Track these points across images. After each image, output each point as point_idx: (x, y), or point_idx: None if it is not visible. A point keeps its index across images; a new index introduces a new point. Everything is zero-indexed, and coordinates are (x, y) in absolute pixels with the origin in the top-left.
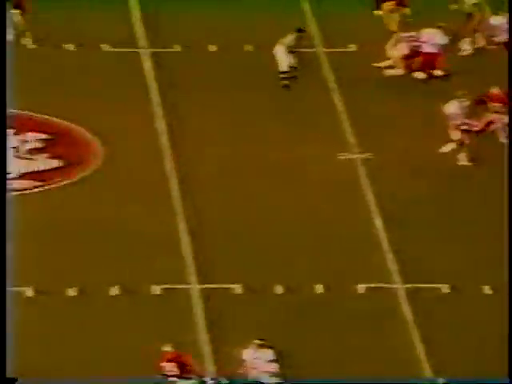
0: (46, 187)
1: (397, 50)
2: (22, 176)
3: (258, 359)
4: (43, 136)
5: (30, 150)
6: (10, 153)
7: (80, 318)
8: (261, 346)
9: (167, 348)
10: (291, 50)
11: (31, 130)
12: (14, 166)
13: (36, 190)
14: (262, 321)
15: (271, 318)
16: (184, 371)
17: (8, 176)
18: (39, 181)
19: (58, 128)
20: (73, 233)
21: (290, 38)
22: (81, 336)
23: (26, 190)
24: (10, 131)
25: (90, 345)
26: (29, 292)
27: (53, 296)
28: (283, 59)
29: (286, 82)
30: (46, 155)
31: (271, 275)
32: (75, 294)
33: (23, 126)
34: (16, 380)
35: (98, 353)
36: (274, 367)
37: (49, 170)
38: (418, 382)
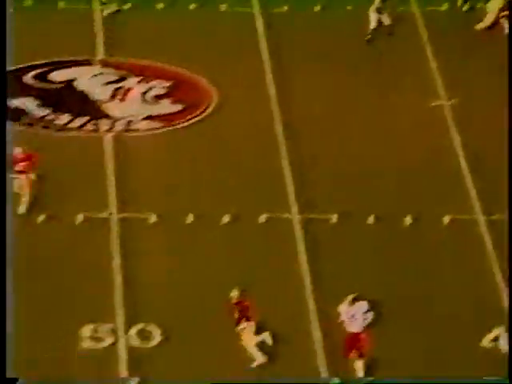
0: (170, 128)
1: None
2: (149, 118)
3: (354, 313)
4: (167, 83)
5: (155, 95)
6: (138, 97)
7: (232, 243)
8: (355, 300)
9: (234, 293)
10: (379, 10)
11: (157, 78)
12: (142, 110)
13: (160, 130)
14: (356, 247)
15: (364, 245)
16: (243, 317)
17: (135, 119)
18: (163, 122)
19: (180, 76)
20: (193, 167)
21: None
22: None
23: (152, 130)
24: (136, 79)
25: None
26: (152, 218)
27: (208, 221)
28: (372, 18)
29: (369, 36)
30: (169, 100)
31: (364, 206)
32: (228, 220)
33: (150, 75)
34: (17, 380)
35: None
36: (370, 317)
37: (172, 113)
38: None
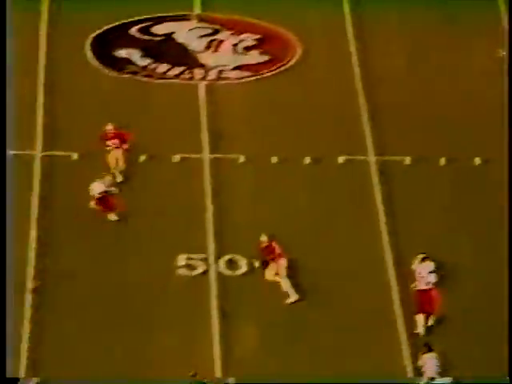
0: (257, 77)
1: None
2: (239, 68)
3: (421, 271)
4: (256, 36)
5: (245, 47)
6: (229, 49)
7: (313, 182)
8: (424, 260)
9: (263, 238)
10: None
11: (247, 32)
12: (233, 60)
13: (249, 79)
14: (428, 188)
15: (436, 185)
16: (272, 259)
17: (226, 68)
18: (252, 71)
19: (268, 30)
20: (278, 113)
21: None
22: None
23: (241, 78)
24: (228, 32)
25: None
26: (241, 159)
27: (291, 162)
28: None
29: None
30: (257, 51)
31: (436, 149)
32: (309, 161)
33: (241, 28)
34: (18, 380)
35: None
36: (435, 277)
37: (259, 64)
38: (418, 382)
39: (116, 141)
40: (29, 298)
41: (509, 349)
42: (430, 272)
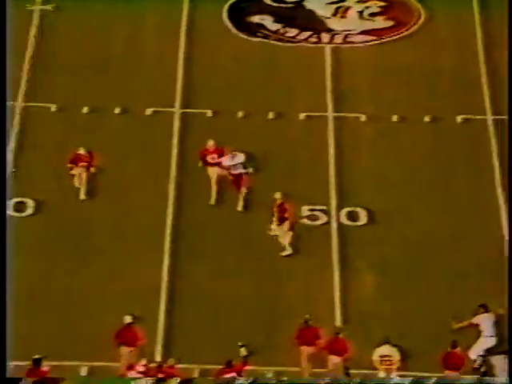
0: (381, 41)
1: None
2: (364, 32)
3: None
4: (382, 3)
5: (371, 13)
6: (355, 15)
7: (433, 140)
8: None
9: (277, 195)
10: None
11: (371, 0)
12: (359, 25)
13: (372, 43)
14: None
15: None
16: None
17: (351, 33)
18: (376, 36)
19: None
20: (398, 74)
21: None
22: None
23: (365, 42)
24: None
25: None
26: (362, 117)
27: (411, 120)
28: None
29: None
30: (382, 17)
31: None
32: (429, 120)
33: None
34: (20, 380)
35: None
36: None
37: (383, 29)
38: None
39: (215, 156)
40: None
41: (509, 350)
42: None
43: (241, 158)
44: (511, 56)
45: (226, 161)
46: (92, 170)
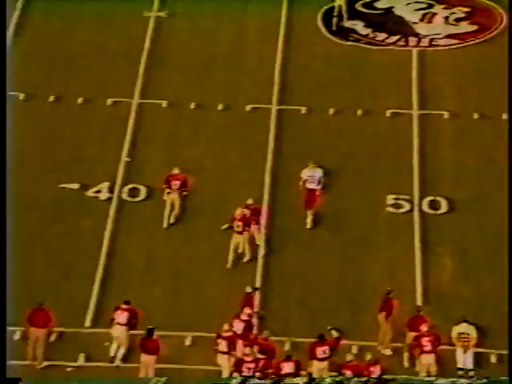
0: (464, 44)
1: None
2: (449, 37)
3: None
4: (466, 9)
5: (456, 18)
6: (441, 20)
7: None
8: None
9: (249, 201)
10: None
11: (458, 5)
12: (444, 29)
13: (456, 46)
14: None
15: None
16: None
17: (436, 36)
18: (460, 40)
19: (477, 4)
20: (478, 76)
21: None
22: None
23: (449, 45)
24: (440, 6)
25: None
26: (445, 115)
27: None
28: None
29: None
30: (467, 22)
31: None
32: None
33: (452, 2)
34: (20, 380)
35: None
36: None
37: (467, 33)
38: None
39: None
40: None
41: (509, 347)
42: None
43: (319, 172)
44: (511, 56)
45: (305, 172)
46: (185, 193)
